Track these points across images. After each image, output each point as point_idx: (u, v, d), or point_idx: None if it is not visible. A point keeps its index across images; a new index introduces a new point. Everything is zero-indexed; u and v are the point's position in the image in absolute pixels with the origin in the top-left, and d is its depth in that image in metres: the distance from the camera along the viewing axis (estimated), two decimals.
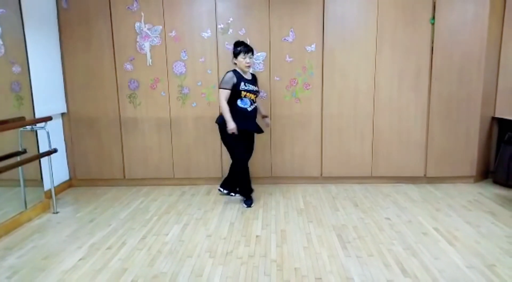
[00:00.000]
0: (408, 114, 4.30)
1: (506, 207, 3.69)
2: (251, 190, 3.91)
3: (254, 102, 3.71)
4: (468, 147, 4.32)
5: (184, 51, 4.27)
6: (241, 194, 3.92)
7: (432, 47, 4.16)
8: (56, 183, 4.11)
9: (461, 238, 3.06)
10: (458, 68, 4.18)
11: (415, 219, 3.45)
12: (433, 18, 4.10)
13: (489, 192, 4.15)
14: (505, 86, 4.36)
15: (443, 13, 4.09)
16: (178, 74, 4.32)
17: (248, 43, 4.20)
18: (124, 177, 4.53)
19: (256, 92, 3.70)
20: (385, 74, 4.24)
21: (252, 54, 3.68)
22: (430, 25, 4.12)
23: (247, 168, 3.83)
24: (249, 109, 3.65)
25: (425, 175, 4.41)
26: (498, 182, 4.38)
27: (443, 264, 2.66)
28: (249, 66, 3.64)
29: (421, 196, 4.06)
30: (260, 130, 3.82)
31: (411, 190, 4.26)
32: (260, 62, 4.25)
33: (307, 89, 4.29)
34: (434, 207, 3.73)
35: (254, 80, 3.76)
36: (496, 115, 4.42)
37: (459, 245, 2.94)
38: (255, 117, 3.77)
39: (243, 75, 3.66)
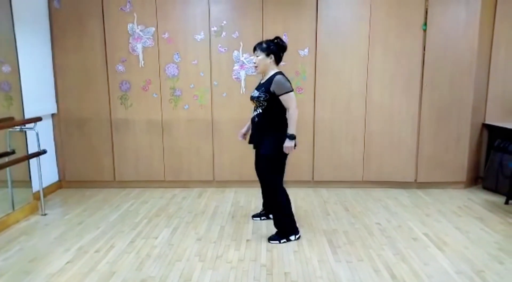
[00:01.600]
0: (399, 119, 4.32)
1: (495, 213, 3.72)
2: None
3: (255, 110, 3.10)
4: (459, 153, 4.35)
5: (177, 54, 4.26)
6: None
7: (424, 53, 4.19)
8: (45, 185, 4.06)
9: (451, 243, 3.07)
10: (449, 74, 4.22)
11: (405, 224, 3.46)
12: (425, 24, 4.14)
13: (479, 197, 4.18)
14: (496, 93, 4.41)
15: (435, 20, 4.13)
16: (171, 76, 4.30)
17: (241, 46, 4.22)
18: (114, 179, 4.49)
19: (254, 99, 3.07)
20: (377, 79, 4.26)
21: (260, 50, 3.03)
22: (422, 31, 4.15)
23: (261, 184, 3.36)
24: (252, 116, 3.19)
25: (415, 180, 4.43)
26: (487, 188, 4.41)
27: (432, 269, 2.67)
28: (255, 67, 3.10)
29: (412, 201, 4.08)
30: (253, 143, 3.22)
31: (402, 195, 4.28)
32: (252, 66, 4.24)
33: (300, 93, 4.29)
34: (424, 212, 3.74)
35: (265, 84, 3.03)
36: (486, 122, 4.46)
37: (448, 250, 2.95)
38: (256, 127, 3.14)
39: (261, 79, 3.18)
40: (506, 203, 3.96)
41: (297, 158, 4.36)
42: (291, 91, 2.95)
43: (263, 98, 2.98)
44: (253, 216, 3.60)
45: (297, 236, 3.14)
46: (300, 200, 4.11)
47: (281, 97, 2.94)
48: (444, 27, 4.14)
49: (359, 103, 4.31)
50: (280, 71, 3.04)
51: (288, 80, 3.00)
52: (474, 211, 3.79)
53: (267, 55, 3.01)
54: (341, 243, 3.07)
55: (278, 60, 3.08)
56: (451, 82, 4.23)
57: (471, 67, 4.19)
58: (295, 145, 3.00)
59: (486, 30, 4.26)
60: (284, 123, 3.00)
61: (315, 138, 4.38)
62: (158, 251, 2.94)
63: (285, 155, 3.06)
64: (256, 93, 3.05)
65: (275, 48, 3.02)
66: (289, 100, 2.93)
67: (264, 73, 3.10)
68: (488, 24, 4.27)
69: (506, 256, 2.86)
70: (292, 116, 2.93)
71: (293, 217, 3.15)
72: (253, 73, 4.24)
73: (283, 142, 2.95)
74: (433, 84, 4.24)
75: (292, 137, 2.94)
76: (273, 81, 2.95)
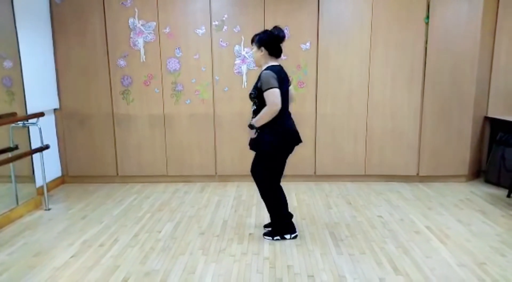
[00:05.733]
0: (401, 113, 4.32)
1: (497, 206, 3.73)
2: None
3: (252, 107, 2.93)
4: (461, 146, 4.35)
5: (178, 48, 4.25)
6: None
7: (426, 47, 4.18)
8: (48, 180, 4.08)
9: (453, 236, 3.08)
10: (452, 67, 4.21)
11: (407, 217, 3.47)
12: (428, 17, 4.12)
13: (481, 191, 4.18)
14: (498, 86, 4.39)
15: (437, 13, 4.11)
16: (172, 71, 4.30)
17: (242, 41, 4.21)
18: (117, 173, 4.51)
19: (249, 96, 2.90)
20: (379, 73, 4.25)
21: (253, 43, 2.88)
22: (424, 24, 4.14)
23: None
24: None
25: (417, 173, 4.44)
26: (489, 181, 4.41)
27: (434, 262, 2.68)
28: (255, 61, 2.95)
29: (414, 194, 4.09)
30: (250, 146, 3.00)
31: (404, 188, 4.28)
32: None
33: (301, 87, 4.29)
34: (426, 206, 3.75)
35: (257, 80, 2.86)
36: (489, 115, 4.45)
37: (451, 243, 2.96)
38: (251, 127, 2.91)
39: None
40: (508, 196, 3.96)
41: (299, 152, 4.34)
42: (273, 87, 2.67)
43: (253, 95, 2.81)
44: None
45: (293, 235, 3.03)
46: (302, 194, 4.12)
47: (264, 94, 2.70)
48: (447, 20, 4.12)
49: (361, 97, 4.30)
50: (272, 65, 2.80)
51: (278, 75, 2.72)
52: (476, 204, 3.80)
53: (258, 47, 2.81)
54: (343, 236, 3.08)
55: (273, 53, 2.81)
56: (453, 75, 4.22)
57: (473, 60, 4.18)
58: (293, 142, 2.90)
59: (489, 23, 4.24)
60: (276, 120, 2.77)
61: (317, 132, 4.38)
62: (162, 245, 2.96)
63: (280, 155, 2.91)
64: (250, 91, 2.89)
65: (266, 40, 2.79)
66: (268, 96, 2.67)
67: (260, 67, 2.90)
68: (491, 17, 4.25)
69: (508, 248, 2.87)
70: (265, 110, 2.70)
71: (290, 216, 3.05)
72: (255, 68, 4.23)
73: (276, 140, 2.81)
74: (435, 78, 4.22)
75: (251, 127, 2.80)
76: (259, 78, 2.76)
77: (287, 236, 3.03)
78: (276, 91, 2.68)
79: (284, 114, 2.84)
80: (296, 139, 2.93)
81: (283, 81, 2.78)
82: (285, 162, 3.02)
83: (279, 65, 2.86)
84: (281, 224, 3.04)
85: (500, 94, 4.41)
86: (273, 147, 2.83)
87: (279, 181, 3.02)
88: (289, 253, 2.82)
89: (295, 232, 3.06)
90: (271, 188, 2.98)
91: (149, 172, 4.50)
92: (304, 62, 4.25)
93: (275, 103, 2.68)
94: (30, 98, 3.79)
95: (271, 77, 2.69)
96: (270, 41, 2.80)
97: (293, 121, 2.96)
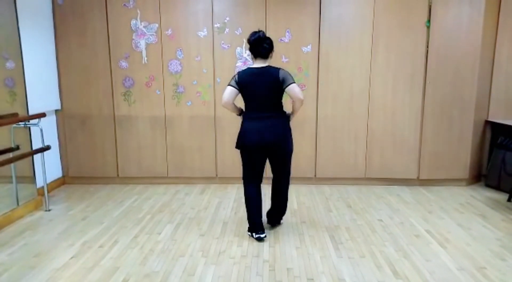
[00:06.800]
0: (402, 116, 4.32)
1: (498, 210, 3.72)
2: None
3: None
4: (461, 150, 4.35)
5: (180, 50, 4.26)
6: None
7: (427, 50, 4.18)
8: (48, 180, 4.09)
9: (453, 240, 3.08)
10: (453, 71, 4.21)
11: (407, 221, 3.47)
12: (429, 21, 4.13)
13: (481, 195, 4.18)
14: (499, 90, 4.40)
15: (438, 17, 4.11)
16: (174, 72, 4.31)
17: (244, 43, 4.22)
18: (118, 175, 4.52)
19: None
20: (380, 76, 4.25)
21: None
22: (425, 28, 4.14)
23: None
24: None
25: (418, 177, 4.44)
26: (490, 185, 4.41)
27: (434, 266, 2.68)
28: None
29: (414, 198, 4.08)
30: None
31: (404, 192, 4.28)
32: None
33: (302, 90, 4.28)
34: (426, 209, 3.75)
35: None
36: (489, 119, 4.45)
37: (451, 247, 2.96)
38: None
39: None
40: (509, 200, 3.96)
41: (299, 155, 4.37)
42: (228, 86, 3.02)
43: None
44: None
45: (256, 235, 3.05)
46: (302, 196, 4.12)
47: None
48: (448, 24, 4.13)
49: (362, 100, 4.31)
50: (247, 68, 3.05)
51: (241, 76, 2.98)
52: (476, 208, 3.79)
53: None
54: (343, 239, 3.08)
55: (254, 55, 3.00)
56: (454, 79, 4.22)
57: (474, 64, 4.18)
58: (246, 143, 3.01)
59: (490, 27, 4.24)
60: (243, 118, 3.09)
61: (318, 135, 4.38)
62: (162, 247, 2.96)
63: (244, 151, 3.07)
64: None
65: (248, 45, 3.03)
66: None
67: None
68: (492, 21, 4.25)
69: (508, 252, 2.87)
70: None
71: (254, 217, 3.09)
72: None
73: (239, 136, 3.06)
74: (436, 82, 4.23)
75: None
76: None
77: (254, 234, 3.07)
78: (227, 89, 3.02)
79: (245, 114, 3.09)
80: (248, 141, 3.00)
81: (248, 84, 2.97)
82: (256, 162, 3.09)
83: (256, 68, 2.98)
84: (249, 221, 3.15)
85: (501, 98, 4.41)
86: (236, 142, 3.09)
87: (252, 180, 3.14)
88: (288, 255, 2.82)
89: (259, 233, 3.05)
90: (244, 184, 3.18)
91: (149, 173, 4.51)
92: (305, 64, 4.26)
93: (222, 97, 3.03)
94: (31, 99, 3.80)
95: (233, 77, 3.05)
96: (249, 45, 3.02)
97: (256, 124, 2.98)
